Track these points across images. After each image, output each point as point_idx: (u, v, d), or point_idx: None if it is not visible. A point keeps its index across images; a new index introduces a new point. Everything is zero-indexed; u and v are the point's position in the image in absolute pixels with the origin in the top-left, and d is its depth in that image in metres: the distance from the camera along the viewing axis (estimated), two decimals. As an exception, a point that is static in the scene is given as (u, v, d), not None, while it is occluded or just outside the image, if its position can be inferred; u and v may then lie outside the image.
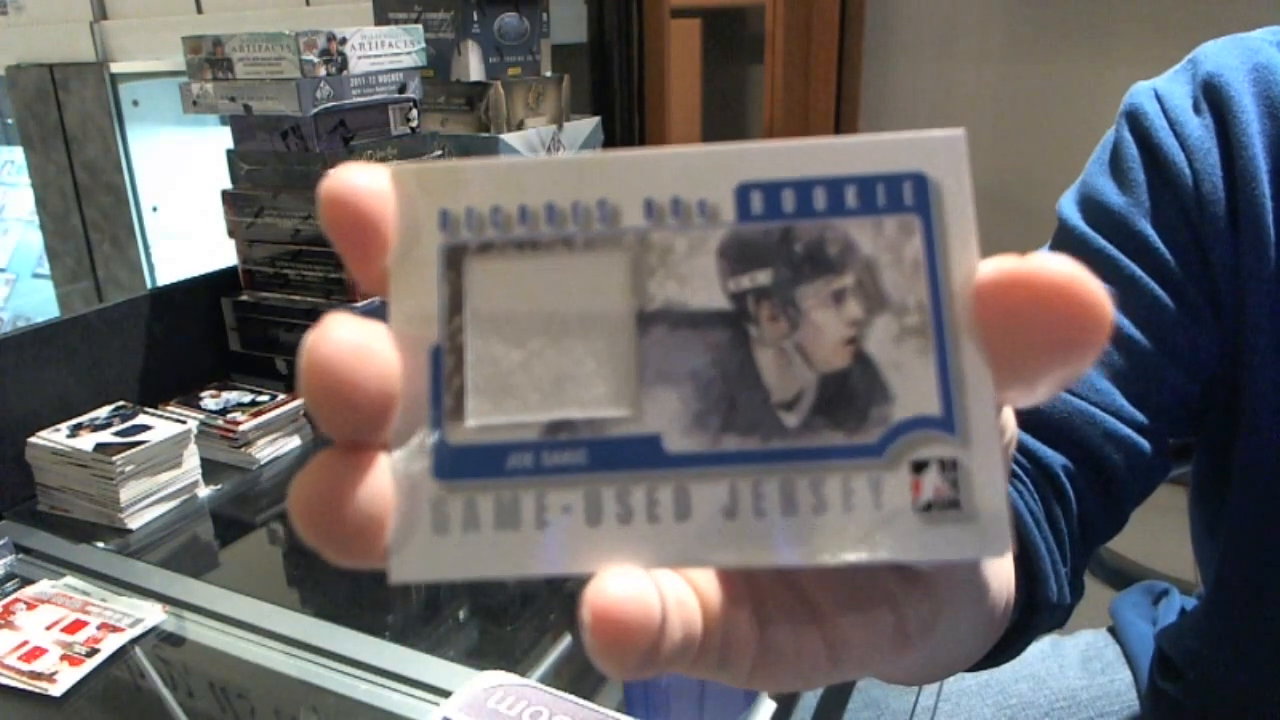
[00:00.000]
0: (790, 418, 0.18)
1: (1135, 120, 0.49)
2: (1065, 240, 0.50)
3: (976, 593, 0.30)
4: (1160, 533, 0.84)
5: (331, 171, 0.18)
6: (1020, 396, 0.19)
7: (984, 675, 0.68)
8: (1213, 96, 0.47)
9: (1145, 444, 0.46)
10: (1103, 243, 0.48)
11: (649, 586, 0.17)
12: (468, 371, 0.18)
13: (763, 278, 0.19)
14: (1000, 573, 0.36)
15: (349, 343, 0.17)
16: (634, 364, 0.18)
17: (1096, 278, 0.17)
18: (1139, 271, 0.46)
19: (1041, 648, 0.72)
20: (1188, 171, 0.46)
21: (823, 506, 0.18)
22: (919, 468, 0.18)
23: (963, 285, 0.18)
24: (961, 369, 0.18)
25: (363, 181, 0.18)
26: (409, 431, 0.18)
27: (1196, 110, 0.47)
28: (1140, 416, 0.46)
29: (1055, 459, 0.45)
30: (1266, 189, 0.45)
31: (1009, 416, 0.22)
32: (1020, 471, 0.44)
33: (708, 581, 0.20)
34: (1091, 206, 0.49)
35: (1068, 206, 0.50)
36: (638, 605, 0.17)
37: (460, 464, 0.18)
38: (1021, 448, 0.45)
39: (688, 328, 0.19)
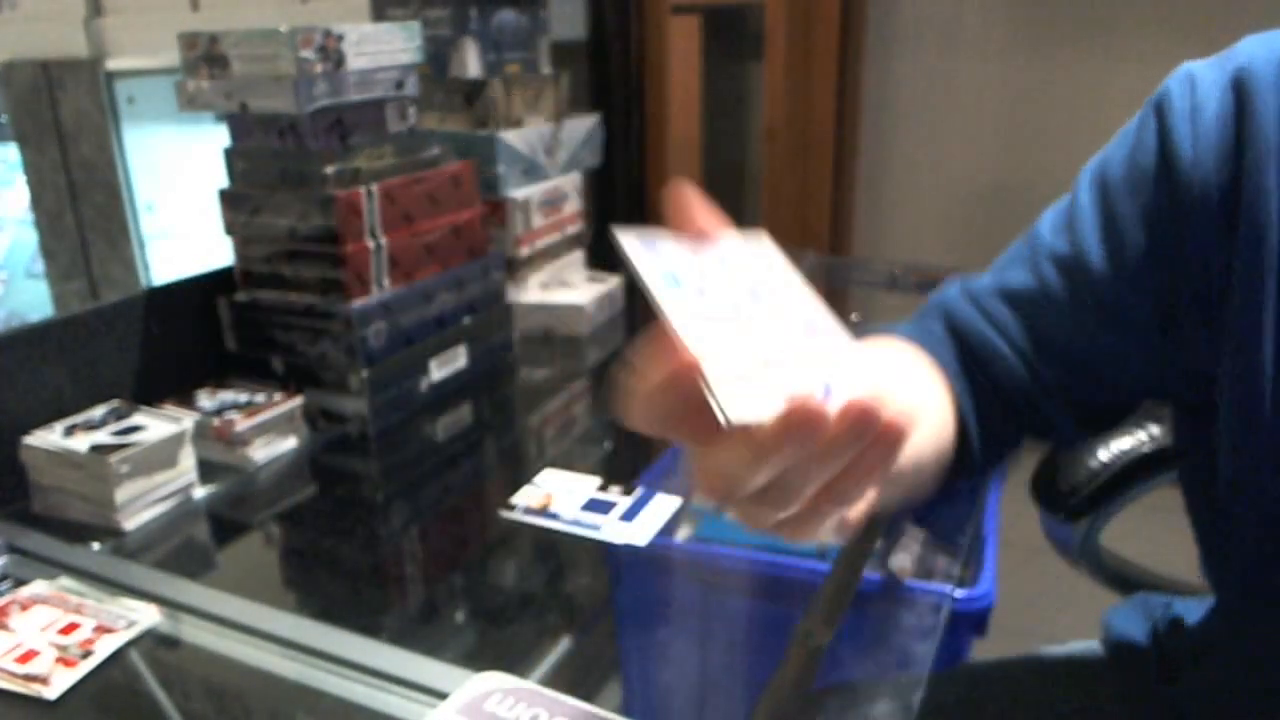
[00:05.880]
0: None
1: (1162, 100, 0.50)
2: (1034, 241, 0.55)
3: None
4: (1161, 535, 0.84)
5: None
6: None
7: (964, 690, 0.69)
8: (1239, 88, 0.47)
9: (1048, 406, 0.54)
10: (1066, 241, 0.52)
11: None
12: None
13: None
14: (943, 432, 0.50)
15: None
16: None
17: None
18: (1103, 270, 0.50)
19: (1026, 660, 0.71)
20: (1190, 155, 0.47)
21: None
22: None
23: None
24: None
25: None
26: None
27: (1220, 99, 0.48)
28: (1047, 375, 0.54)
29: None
30: (1274, 180, 0.45)
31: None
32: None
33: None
34: (1097, 178, 0.52)
35: (1084, 175, 0.54)
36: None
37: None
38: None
39: None
